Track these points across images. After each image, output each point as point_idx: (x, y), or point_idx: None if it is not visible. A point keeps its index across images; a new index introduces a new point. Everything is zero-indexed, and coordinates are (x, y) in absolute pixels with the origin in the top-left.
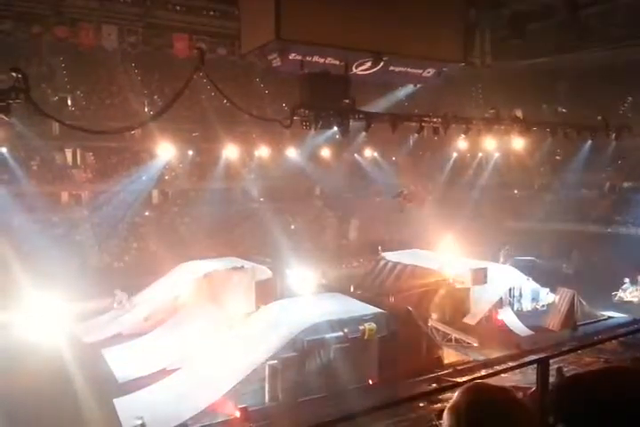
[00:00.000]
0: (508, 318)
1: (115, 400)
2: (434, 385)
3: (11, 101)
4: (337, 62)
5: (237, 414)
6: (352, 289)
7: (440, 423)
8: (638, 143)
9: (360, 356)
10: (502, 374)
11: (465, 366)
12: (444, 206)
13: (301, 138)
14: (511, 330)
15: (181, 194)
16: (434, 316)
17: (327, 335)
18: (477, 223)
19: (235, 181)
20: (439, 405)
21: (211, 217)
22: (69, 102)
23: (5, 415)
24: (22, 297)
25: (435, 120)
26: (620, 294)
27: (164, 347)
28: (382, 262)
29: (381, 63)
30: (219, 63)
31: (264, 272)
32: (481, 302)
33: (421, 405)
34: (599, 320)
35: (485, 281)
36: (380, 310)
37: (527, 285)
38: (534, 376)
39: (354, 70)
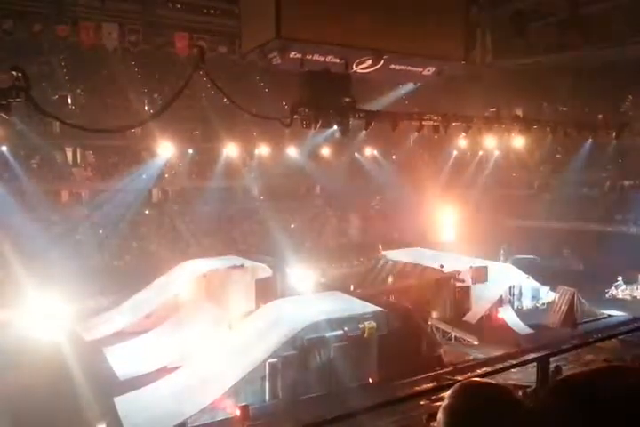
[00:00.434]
0: (508, 316)
1: (115, 398)
2: (434, 383)
3: (11, 100)
4: (337, 61)
5: (237, 412)
6: (352, 288)
7: (432, 426)
8: (639, 142)
9: (360, 354)
10: (502, 373)
11: (465, 364)
12: (444, 205)
13: (301, 137)
14: (511, 328)
15: (181, 193)
16: (434, 314)
17: (327, 334)
18: (477, 222)
19: (235, 179)
20: (438, 403)
21: (211, 216)
22: (70, 101)
23: (6, 413)
24: (23, 296)
25: (435, 119)
26: (613, 291)
27: (165, 345)
28: (382, 261)
29: (382, 61)
30: (219, 62)
31: (264, 271)
32: (481, 300)
33: (421, 403)
34: (599, 319)
35: (486, 280)
36: (379, 309)
37: (527, 283)
38: (534, 375)
39: (354, 69)
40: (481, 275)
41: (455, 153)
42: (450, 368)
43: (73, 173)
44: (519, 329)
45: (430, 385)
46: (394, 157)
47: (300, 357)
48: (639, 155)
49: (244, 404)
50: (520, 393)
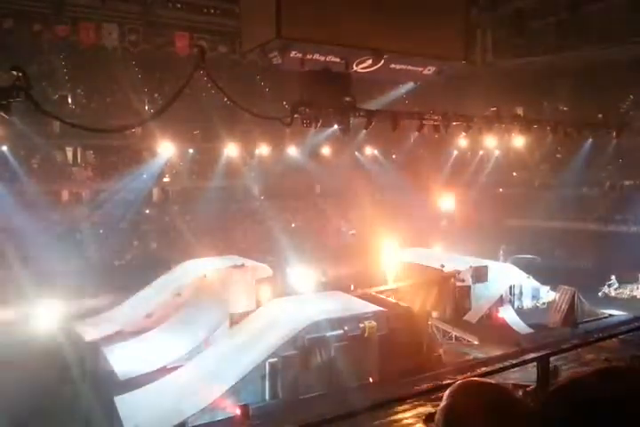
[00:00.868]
0: (508, 315)
1: (115, 398)
2: (434, 383)
3: (11, 100)
4: (337, 60)
5: (238, 411)
6: (352, 287)
7: (431, 425)
8: (639, 141)
9: (360, 354)
10: (502, 372)
11: (465, 363)
12: (444, 204)
13: (302, 136)
14: (511, 328)
15: (182, 192)
16: (434, 314)
17: (327, 333)
18: (477, 221)
19: (235, 179)
20: (438, 402)
21: (211, 215)
22: (70, 100)
23: (6, 413)
24: (23, 295)
25: (435, 118)
26: (605, 290)
27: (165, 345)
28: (382, 260)
29: (382, 61)
30: (219, 61)
31: (265, 270)
32: (481, 299)
33: (421, 402)
34: (599, 318)
35: (486, 279)
36: (380, 308)
37: (527, 283)
38: (534, 374)
39: (354, 68)
40: (481, 274)
41: (455, 153)
42: (450, 368)
43: (73, 172)
44: (519, 329)
45: (430, 385)
46: (394, 156)
47: (300, 356)
48: (639, 154)
49: (244, 403)
50: (520, 393)
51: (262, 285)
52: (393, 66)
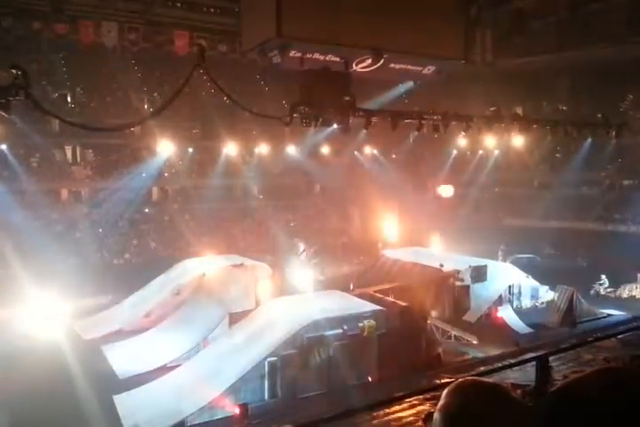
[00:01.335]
0: (507, 315)
1: (114, 397)
2: (433, 382)
3: (11, 98)
4: (337, 59)
5: (237, 410)
6: (352, 286)
7: (430, 425)
8: (638, 141)
9: (359, 353)
10: (501, 372)
11: (464, 363)
12: (443, 204)
13: (301, 135)
14: (510, 327)
15: (181, 191)
16: (433, 313)
17: (327, 332)
18: (477, 221)
19: (235, 178)
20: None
21: (211, 214)
22: (69, 99)
23: (5, 412)
24: (22, 294)
25: (435, 118)
26: (597, 287)
27: (164, 344)
28: (382, 260)
29: (381, 60)
30: (219, 60)
31: (264, 269)
32: (480, 299)
33: (420, 402)
34: (598, 318)
35: (485, 279)
36: (379, 308)
37: (526, 282)
38: (533, 374)
39: (354, 67)
40: (480, 274)
41: (455, 152)
42: (449, 367)
43: (72, 171)
44: (518, 328)
45: (429, 384)
46: (393, 155)
47: (299, 355)
48: (638, 154)
49: (243, 402)
50: (519, 392)
51: (261, 284)
52: (392, 65)
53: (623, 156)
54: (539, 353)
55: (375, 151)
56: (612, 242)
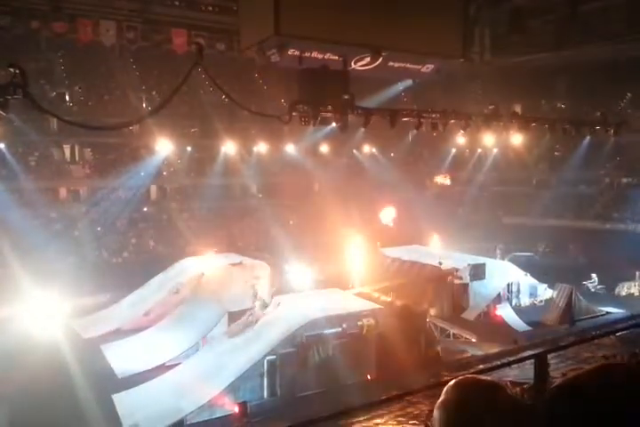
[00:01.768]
0: (506, 313)
1: (113, 396)
2: (432, 380)
3: (9, 97)
4: (336, 58)
5: (236, 409)
6: (350, 285)
7: (431, 423)
8: (637, 139)
9: (358, 351)
10: (500, 369)
11: (463, 361)
12: (442, 202)
13: (300, 134)
14: (509, 325)
15: (180, 190)
16: (432, 311)
17: (326, 331)
18: (475, 219)
19: (233, 177)
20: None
21: (209, 213)
22: (67, 98)
23: (4, 411)
24: (21, 293)
25: (433, 116)
26: (588, 285)
27: (163, 342)
28: (381, 258)
29: (380, 59)
30: (217, 59)
31: (263, 268)
32: (479, 297)
33: (419, 400)
34: (597, 316)
35: (484, 277)
36: (378, 306)
37: (525, 280)
38: (532, 371)
39: (353, 66)
40: (479, 272)
41: (454, 151)
42: (448, 365)
43: (71, 170)
44: (517, 326)
45: (428, 382)
46: (392, 154)
47: (298, 354)
48: (637, 152)
49: (242, 401)
50: (518, 390)
51: (260, 282)
52: (391, 64)
53: (622, 154)
54: (537, 351)
55: (374, 150)
56: (610, 240)
